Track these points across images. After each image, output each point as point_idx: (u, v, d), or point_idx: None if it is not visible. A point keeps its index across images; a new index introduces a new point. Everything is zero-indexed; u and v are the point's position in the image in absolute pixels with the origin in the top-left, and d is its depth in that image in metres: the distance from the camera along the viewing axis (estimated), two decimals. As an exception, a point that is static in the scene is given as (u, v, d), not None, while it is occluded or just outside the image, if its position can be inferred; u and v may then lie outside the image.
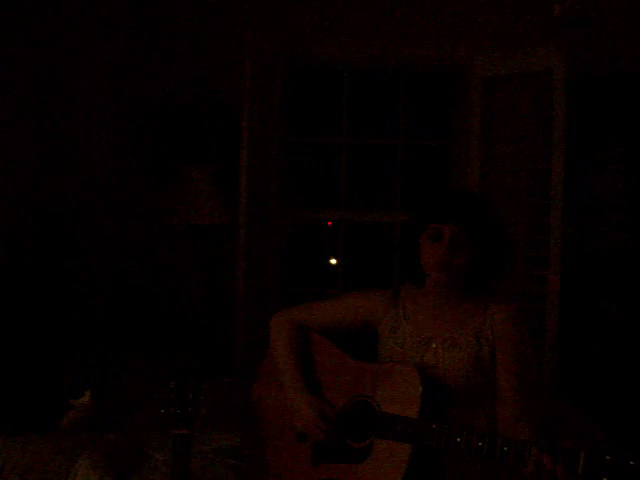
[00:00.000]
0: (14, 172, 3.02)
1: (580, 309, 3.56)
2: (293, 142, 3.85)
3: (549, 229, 3.32)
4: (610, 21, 3.41)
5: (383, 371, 1.80)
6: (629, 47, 3.49)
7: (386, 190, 3.94)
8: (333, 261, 4.10)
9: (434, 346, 1.80)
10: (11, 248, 2.90)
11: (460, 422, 1.70)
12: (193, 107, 3.65)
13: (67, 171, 3.35)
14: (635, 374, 3.46)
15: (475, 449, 1.57)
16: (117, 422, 2.55)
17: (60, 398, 2.66)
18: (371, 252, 4.13)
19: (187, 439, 1.59)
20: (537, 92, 3.39)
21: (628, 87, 3.54)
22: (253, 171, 3.46)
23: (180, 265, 3.68)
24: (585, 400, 3.24)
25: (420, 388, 1.69)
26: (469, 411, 1.76)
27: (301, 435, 1.89)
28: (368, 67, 3.85)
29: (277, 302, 3.65)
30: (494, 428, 1.73)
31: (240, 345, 3.43)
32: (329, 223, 4.07)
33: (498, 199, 3.43)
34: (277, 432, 1.96)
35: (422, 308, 1.87)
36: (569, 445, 1.46)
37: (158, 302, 3.63)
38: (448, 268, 1.75)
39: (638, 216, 3.56)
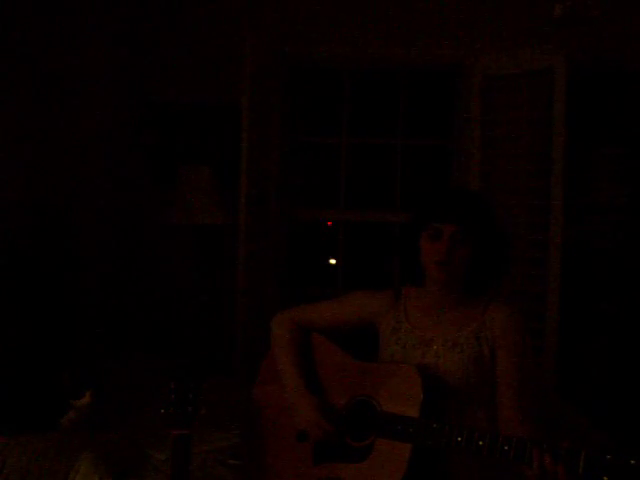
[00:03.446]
0: (13, 171, 3.02)
1: (580, 309, 3.56)
2: (293, 142, 3.85)
3: (549, 229, 3.32)
4: (610, 21, 3.41)
5: (384, 371, 1.80)
6: (629, 47, 3.49)
7: (386, 190, 3.94)
8: (333, 261, 4.10)
9: (435, 347, 1.80)
10: (10, 248, 2.90)
11: (461, 422, 1.70)
12: (193, 107, 3.65)
13: (66, 171, 3.35)
14: (635, 374, 3.46)
15: (476, 448, 1.57)
16: (117, 422, 2.55)
17: (60, 398, 2.66)
18: (371, 252, 4.12)
19: (187, 439, 1.59)
20: (537, 92, 3.39)
21: (628, 87, 3.54)
22: (253, 171, 3.46)
23: (180, 265, 3.68)
24: (585, 400, 3.24)
25: (421, 388, 1.69)
26: (469, 411, 1.76)
27: (301, 434, 1.88)
28: (368, 67, 3.85)
29: (277, 302, 3.65)
30: (494, 428, 1.73)
31: (240, 345, 3.43)
32: (329, 223, 4.07)
33: (498, 199, 3.43)
34: (277, 432, 1.96)
35: (423, 308, 1.88)
36: (569, 445, 1.46)
37: (158, 302, 3.63)
38: (448, 268, 1.75)
39: (638, 216, 3.56)
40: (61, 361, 2.93)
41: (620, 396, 3.44)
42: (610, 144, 3.59)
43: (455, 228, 1.75)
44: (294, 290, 3.86)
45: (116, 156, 3.60)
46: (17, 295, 2.89)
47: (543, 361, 3.28)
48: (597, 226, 3.59)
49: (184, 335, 3.59)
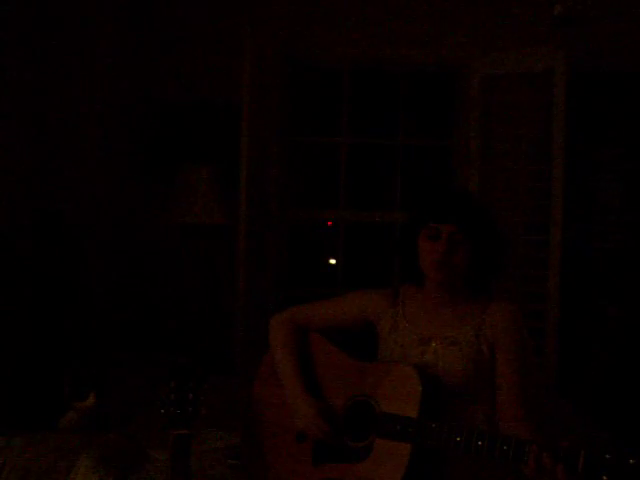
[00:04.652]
0: (13, 173, 3.02)
1: (580, 309, 3.57)
2: (293, 142, 3.85)
3: (549, 229, 3.32)
4: (610, 21, 3.41)
5: (383, 371, 1.80)
6: (629, 47, 3.49)
7: (386, 190, 3.94)
8: (333, 261, 4.10)
9: (434, 345, 1.80)
10: (10, 249, 2.90)
11: (460, 421, 1.70)
12: (193, 107, 3.65)
13: (66, 172, 3.36)
14: (635, 374, 3.47)
15: (475, 448, 1.57)
16: (117, 422, 2.56)
17: (60, 399, 2.66)
18: (371, 252, 4.13)
19: (187, 439, 1.59)
20: (537, 92, 3.39)
21: (628, 87, 3.54)
22: (253, 171, 3.46)
23: (180, 265, 3.68)
24: (585, 400, 3.25)
25: (419, 387, 1.69)
26: (469, 410, 1.76)
27: (301, 435, 1.89)
28: (368, 67, 3.85)
29: (277, 302, 3.65)
30: (493, 427, 1.73)
31: (240, 345, 3.43)
32: (329, 223, 4.07)
33: (498, 199, 3.43)
34: (277, 432, 1.96)
35: (422, 307, 1.88)
36: (569, 444, 1.46)
37: (158, 302, 3.63)
38: (446, 267, 1.76)
39: (638, 216, 3.56)
40: (61, 361, 2.93)
41: (620, 396, 3.45)
42: (610, 144, 3.59)
43: (453, 228, 1.75)
44: (294, 290, 3.86)
45: (116, 156, 3.60)
46: (17, 296, 2.89)
47: (543, 361, 3.28)
48: (597, 226, 3.59)
49: (184, 335, 3.59)
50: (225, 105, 3.60)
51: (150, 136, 3.66)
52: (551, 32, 3.39)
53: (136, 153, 3.66)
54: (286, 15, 3.63)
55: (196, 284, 3.62)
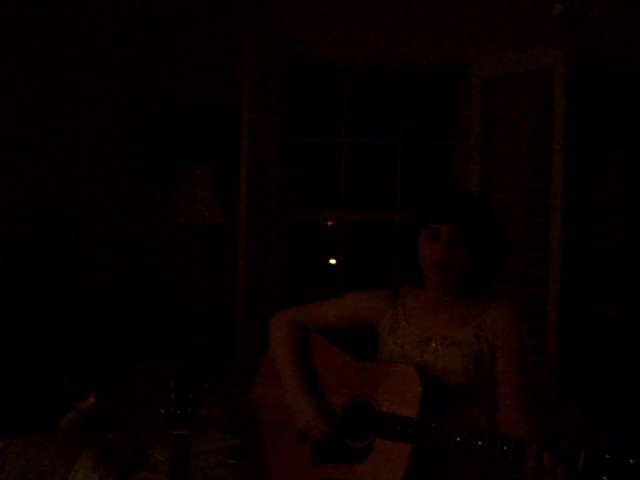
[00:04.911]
0: (14, 172, 3.02)
1: (580, 309, 3.57)
2: (293, 142, 3.84)
3: (549, 229, 3.32)
4: (610, 21, 3.41)
5: (383, 371, 1.80)
6: (629, 47, 3.49)
7: (386, 190, 3.94)
8: (333, 261, 4.10)
9: (434, 345, 1.80)
10: (11, 249, 2.90)
11: (460, 421, 1.70)
12: (193, 107, 3.65)
13: (67, 171, 3.36)
14: (635, 374, 3.46)
15: (475, 448, 1.57)
16: (117, 422, 2.56)
17: (60, 399, 2.66)
18: (371, 252, 4.13)
19: (187, 439, 1.60)
20: (537, 92, 3.39)
21: (628, 87, 3.54)
22: (253, 171, 3.46)
23: (180, 265, 3.68)
24: (585, 400, 3.24)
25: (419, 388, 1.69)
26: (469, 410, 1.76)
27: (301, 435, 1.89)
28: (368, 67, 3.85)
29: (277, 302, 3.64)
30: (493, 427, 1.73)
31: (240, 345, 3.43)
32: (329, 223, 4.07)
33: (498, 199, 3.43)
34: (277, 432, 1.96)
35: (422, 307, 1.88)
36: (569, 445, 1.46)
37: (158, 302, 3.63)
38: (446, 268, 1.76)
39: (638, 216, 3.56)
40: (62, 362, 2.93)
41: (620, 396, 3.44)
42: (610, 144, 3.59)
43: (453, 228, 1.76)
44: (294, 290, 3.85)
45: (116, 155, 3.60)
46: (18, 296, 2.89)
47: (543, 361, 3.28)
48: (597, 226, 3.59)
49: (184, 335, 3.59)
50: (226, 105, 3.60)
51: (150, 136, 3.66)
52: (551, 32, 3.39)
53: (137, 153, 3.66)
54: (286, 15, 3.63)
55: (196, 284, 3.62)
